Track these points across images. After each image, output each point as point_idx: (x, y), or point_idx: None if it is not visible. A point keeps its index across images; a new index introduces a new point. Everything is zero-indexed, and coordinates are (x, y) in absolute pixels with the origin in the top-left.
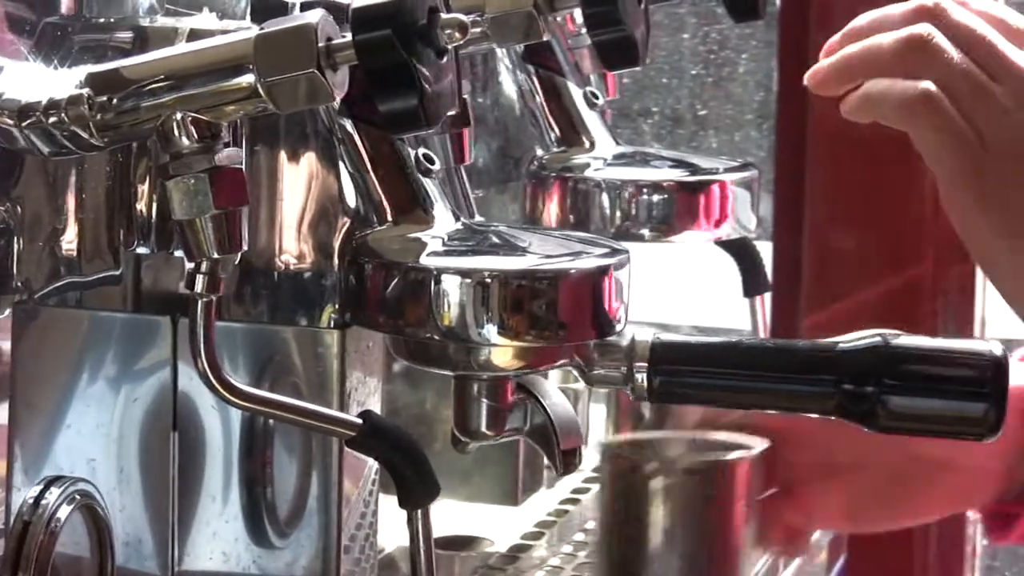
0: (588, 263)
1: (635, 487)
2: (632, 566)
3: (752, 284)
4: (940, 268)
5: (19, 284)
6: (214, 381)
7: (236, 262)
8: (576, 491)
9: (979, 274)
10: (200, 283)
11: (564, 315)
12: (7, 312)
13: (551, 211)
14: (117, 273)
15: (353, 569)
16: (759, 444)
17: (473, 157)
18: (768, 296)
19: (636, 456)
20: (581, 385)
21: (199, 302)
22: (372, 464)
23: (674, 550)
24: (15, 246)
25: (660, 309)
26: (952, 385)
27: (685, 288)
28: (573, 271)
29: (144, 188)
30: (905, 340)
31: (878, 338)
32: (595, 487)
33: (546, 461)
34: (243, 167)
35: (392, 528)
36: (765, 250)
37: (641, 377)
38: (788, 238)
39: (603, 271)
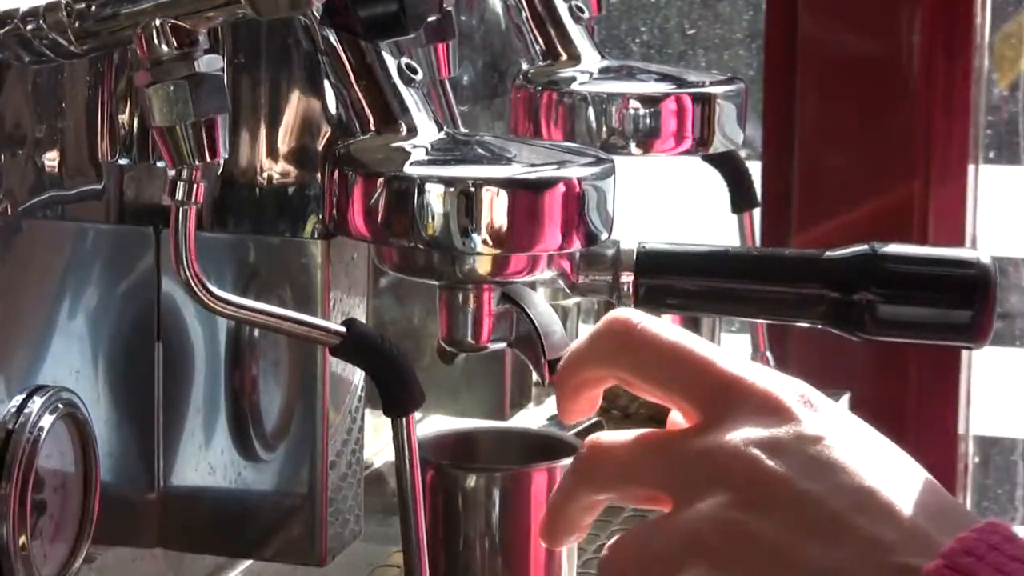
0: (572, 171)
1: (445, 485)
2: (447, 563)
3: (740, 200)
4: (931, 186)
5: (1, 196)
6: (196, 288)
7: (219, 172)
8: None
9: (970, 191)
10: (180, 191)
11: (548, 223)
12: None
13: (537, 125)
14: (100, 186)
15: (340, 484)
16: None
17: (457, 71)
18: (757, 212)
19: (438, 457)
20: (571, 302)
21: (179, 210)
22: (358, 378)
23: (476, 552)
24: None
25: (646, 226)
26: (940, 292)
27: (672, 205)
28: (557, 179)
29: (126, 99)
30: (893, 248)
31: (866, 246)
32: None
33: (535, 377)
34: (223, 74)
35: (379, 444)
36: (755, 170)
37: (627, 285)
38: (778, 157)
39: (588, 179)
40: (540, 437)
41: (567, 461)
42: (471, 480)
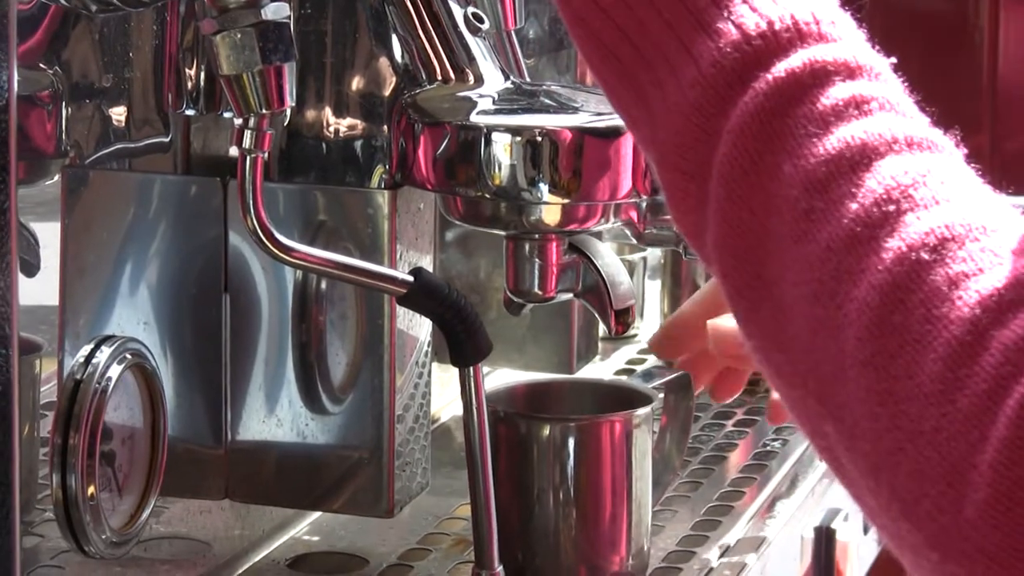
0: None
1: (518, 436)
2: (519, 515)
3: None
4: (997, 140)
5: (68, 148)
6: (263, 237)
7: (286, 121)
8: (631, 362)
9: None
10: (248, 139)
11: (615, 172)
12: (56, 176)
13: None
14: (167, 137)
15: (407, 437)
16: (651, 401)
17: (523, 23)
18: None
19: (510, 408)
20: (637, 256)
21: (247, 158)
22: (425, 332)
23: (550, 504)
24: (63, 110)
25: None
26: None
27: None
28: (624, 127)
29: (192, 49)
30: None
31: None
32: (651, 358)
33: (601, 330)
34: (290, 22)
35: (447, 399)
36: None
37: None
38: None
39: None
40: (613, 387)
41: (642, 411)
42: (545, 430)
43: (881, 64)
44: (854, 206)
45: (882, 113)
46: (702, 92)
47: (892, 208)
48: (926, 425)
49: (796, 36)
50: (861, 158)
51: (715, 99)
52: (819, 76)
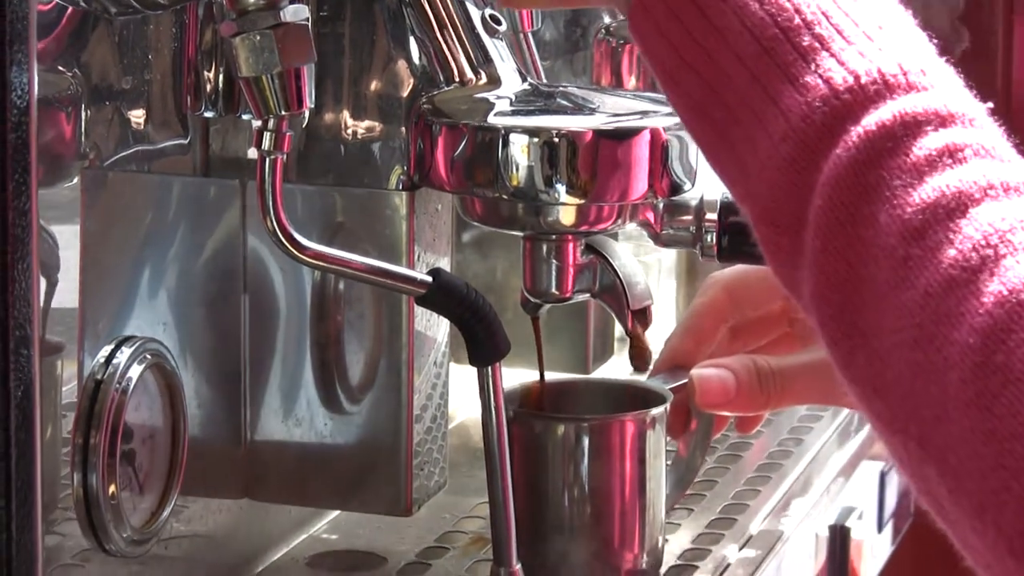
0: (656, 121)
1: (533, 435)
2: (533, 514)
3: None
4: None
5: (87, 150)
6: (283, 238)
7: (304, 122)
8: None
9: None
10: (267, 141)
11: (632, 173)
12: (75, 178)
13: (619, 79)
14: (185, 139)
15: (425, 436)
16: (665, 401)
17: (540, 25)
18: None
19: (523, 408)
20: (652, 258)
21: (266, 160)
22: (442, 332)
23: (564, 503)
24: (83, 112)
25: None
26: None
27: None
28: (641, 128)
29: (211, 52)
30: None
31: None
32: None
33: (617, 330)
34: (309, 24)
35: (464, 398)
36: None
37: (710, 236)
38: None
39: (671, 129)
40: (628, 387)
41: (656, 411)
42: (559, 429)
43: (976, 109)
44: (952, 252)
45: (976, 160)
46: (794, 146)
47: (990, 253)
48: None
49: (884, 88)
50: (957, 205)
51: (807, 153)
52: (910, 127)
